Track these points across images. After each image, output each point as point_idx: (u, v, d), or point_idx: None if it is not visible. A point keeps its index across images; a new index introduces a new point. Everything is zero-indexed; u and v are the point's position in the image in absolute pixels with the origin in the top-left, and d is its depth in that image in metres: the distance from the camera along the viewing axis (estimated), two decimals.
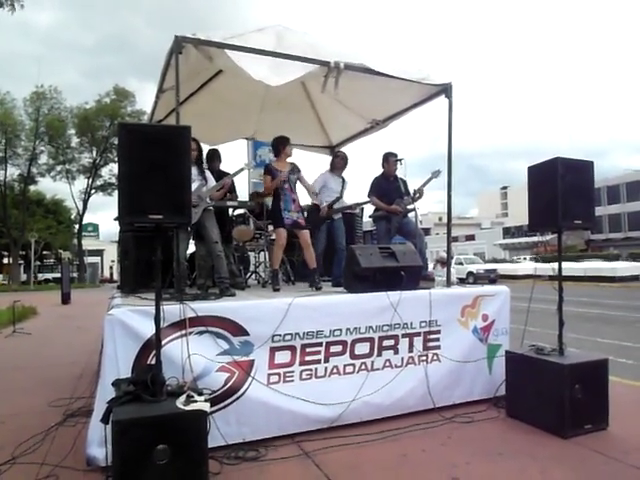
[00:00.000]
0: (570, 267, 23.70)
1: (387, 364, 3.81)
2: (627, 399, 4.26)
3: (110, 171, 36.30)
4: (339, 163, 5.85)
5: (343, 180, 5.85)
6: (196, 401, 2.57)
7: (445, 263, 5.83)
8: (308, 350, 3.56)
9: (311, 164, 5.44)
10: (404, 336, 3.88)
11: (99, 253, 51.91)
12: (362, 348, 3.74)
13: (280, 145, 4.92)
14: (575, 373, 3.39)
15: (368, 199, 5.76)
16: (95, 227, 49.07)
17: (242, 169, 4.89)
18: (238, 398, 3.28)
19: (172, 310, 3.14)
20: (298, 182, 5.01)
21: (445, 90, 4.82)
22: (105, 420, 2.50)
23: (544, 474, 2.84)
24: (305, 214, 5.27)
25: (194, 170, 4.14)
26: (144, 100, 35.86)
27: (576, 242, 41.69)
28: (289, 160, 4.99)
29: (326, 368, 3.62)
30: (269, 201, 5.43)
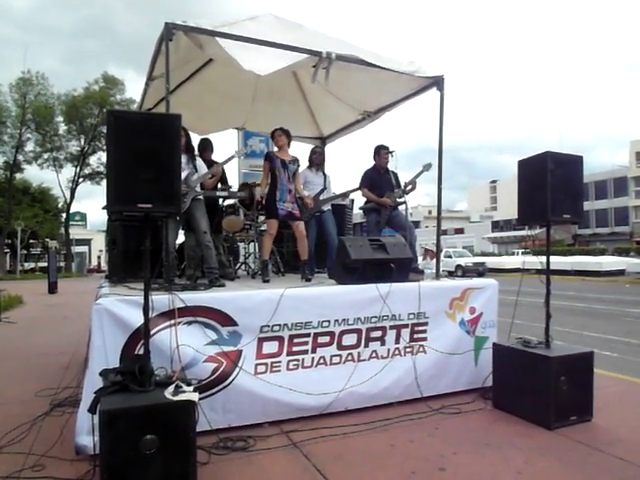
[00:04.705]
0: (557, 261, 24.01)
1: (373, 355, 3.83)
2: (611, 391, 4.32)
3: (98, 160, 35.94)
4: (317, 159, 5.76)
5: (325, 175, 5.81)
6: (185, 391, 2.56)
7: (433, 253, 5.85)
8: (296, 341, 3.57)
9: (300, 155, 5.35)
10: (392, 327, 3.90)
11: (87, 242, 51.62)
12: (349, 339, 3.75)
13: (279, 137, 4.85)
14: (561, 365, 3.43)
15: (356, 187, 5.74)
16: (83, 216, 48.58)
17: (233, 157, 4.85)
18: (225, 387, 3.29)
19: (161, 300, 3.12)
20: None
21: (437, 83, 4.82)
22: (92, 410, 2.49)
23: (529, 464, 2.87)
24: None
25: (183, 158, 4.10)
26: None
27: (564, 237, 42.05)
28: (291, 153, 4.93)
29: (313, 358, 3.63)
30: (257, 191, 5.39)
